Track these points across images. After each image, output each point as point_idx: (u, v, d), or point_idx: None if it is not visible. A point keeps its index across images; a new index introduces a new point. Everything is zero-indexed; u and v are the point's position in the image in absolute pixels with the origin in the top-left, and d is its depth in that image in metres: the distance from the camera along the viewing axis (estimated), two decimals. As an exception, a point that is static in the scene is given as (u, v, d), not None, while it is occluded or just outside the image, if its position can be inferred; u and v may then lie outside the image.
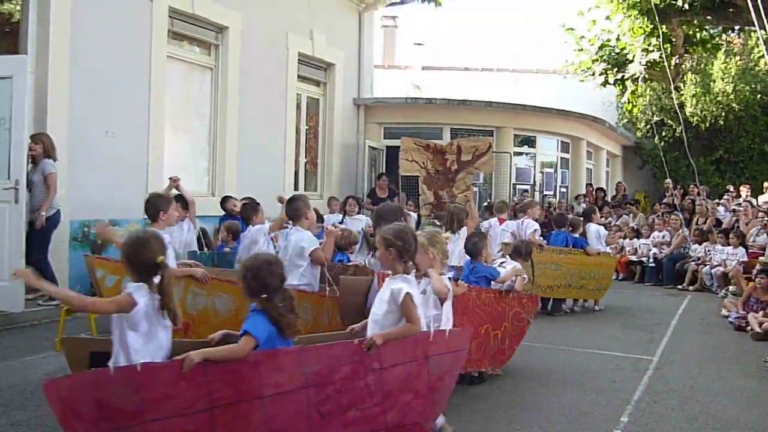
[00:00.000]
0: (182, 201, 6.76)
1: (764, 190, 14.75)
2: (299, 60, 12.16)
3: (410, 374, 3.69)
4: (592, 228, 10.17)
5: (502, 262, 6.68)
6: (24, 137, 7.03)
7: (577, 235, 9.69)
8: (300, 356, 3.41)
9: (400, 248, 3.82)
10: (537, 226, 9.28)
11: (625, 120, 20.98)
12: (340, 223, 9.64)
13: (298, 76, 12.24)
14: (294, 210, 5.60)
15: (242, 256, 6.30)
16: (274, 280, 3.49)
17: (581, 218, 10.38)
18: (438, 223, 5.57)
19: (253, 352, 3.30)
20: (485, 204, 11.82)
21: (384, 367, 3.58)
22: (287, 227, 5.82)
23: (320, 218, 7.95)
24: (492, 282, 6.01)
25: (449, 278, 4.68)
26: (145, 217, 6.66)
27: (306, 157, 12.91)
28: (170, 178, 7.24)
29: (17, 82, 6.96)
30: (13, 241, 6.93)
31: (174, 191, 6.94)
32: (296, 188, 12.13)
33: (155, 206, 5.44)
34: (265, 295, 3.46)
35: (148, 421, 3.04)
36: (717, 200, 15.11)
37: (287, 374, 3.34)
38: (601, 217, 14.44)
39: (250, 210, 6.99)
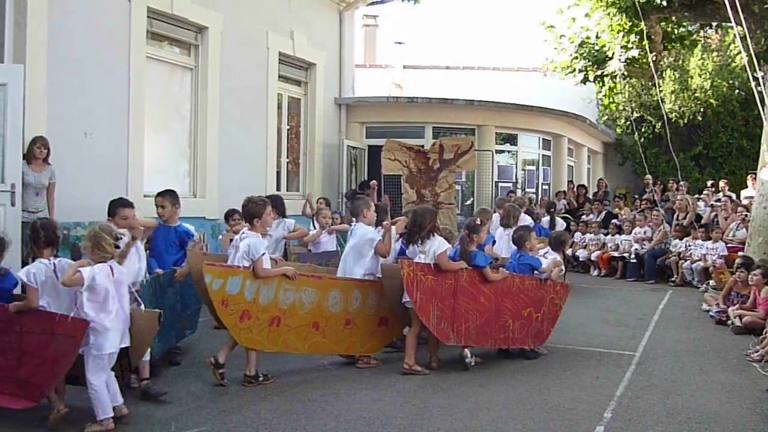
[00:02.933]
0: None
1: (746, 185, 14.85)
2: (280, 60, 12.09)
3: (41, 343, 4.58)
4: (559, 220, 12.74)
5: (544, 253, 7.42)
6: (20, 143, 7.21)
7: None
8: None
9: (32, 238, 4.79)
10: (530, 219, 10.25)
11: (606, 117, 21.09)
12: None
13: (279, 76, 12.17)
14: (354, 208, 6.62)
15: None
16: None
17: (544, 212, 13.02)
18: (478, 221, 6.54)
19: None
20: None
21: (23, 331, 4.62)
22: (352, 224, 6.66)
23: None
24: (535, 271, 6.82)
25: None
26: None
27: (288, 157, 12.86)
28: None
29: (12, 89, 7.12)
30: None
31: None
32: (278, 188, 12.06)
33: (251, 213, 5.84)
34: None
35: None
36: (697, 195, 15.23)
37: None
38: (582, 213, 14.71)
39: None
